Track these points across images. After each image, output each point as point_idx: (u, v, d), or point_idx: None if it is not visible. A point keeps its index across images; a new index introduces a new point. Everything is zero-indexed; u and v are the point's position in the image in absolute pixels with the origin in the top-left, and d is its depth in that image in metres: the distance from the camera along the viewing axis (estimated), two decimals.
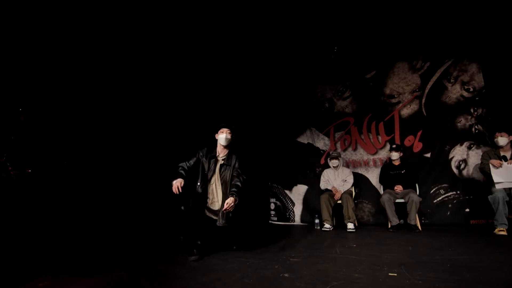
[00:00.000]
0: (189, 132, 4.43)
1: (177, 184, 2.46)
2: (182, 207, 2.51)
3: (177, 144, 4.32)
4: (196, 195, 2.64)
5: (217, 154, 2.82)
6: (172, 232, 3.91)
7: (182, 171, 2.63)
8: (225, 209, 2.45)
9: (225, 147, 2.82)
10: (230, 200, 2.47)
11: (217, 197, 2.72)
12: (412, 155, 4.31)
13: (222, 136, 2.77)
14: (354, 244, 2.95)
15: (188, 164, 2.71)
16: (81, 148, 3.53)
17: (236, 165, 2.78)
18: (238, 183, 2.65)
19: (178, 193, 2.44)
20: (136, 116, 4.22)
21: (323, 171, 4.52)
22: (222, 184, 2.74)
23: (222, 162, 2.79)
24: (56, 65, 3.27)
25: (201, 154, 2.79)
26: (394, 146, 4.15)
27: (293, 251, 2.67)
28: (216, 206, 2.71)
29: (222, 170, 2.77)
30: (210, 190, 2.73)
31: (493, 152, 3.46)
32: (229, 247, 2.76)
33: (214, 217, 2.66)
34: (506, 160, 3.31)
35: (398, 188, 3.89)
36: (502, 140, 3.38)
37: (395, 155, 4.05)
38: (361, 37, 4.54)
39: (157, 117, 4.42)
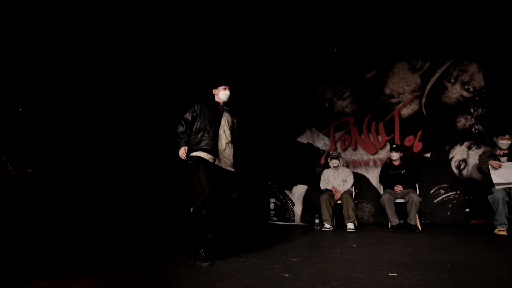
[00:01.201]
0: None
1: (183, 151, 2.49)
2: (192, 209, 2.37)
3: (176, 145, 4.31)
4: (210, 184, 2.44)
5: (219, 107, 2.70)
6: (172, 232, 3.91)
7: (186, 139, 2.55)
8: None
9: (224, 103, 2.73)
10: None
11: (222, 146, 2.58)
12: (412, 155, 4.31)
13: (226, 93, 2.69)
14: (354, 244, 2.95)
15: (187, 131, 2.57)
16: (81, 148, 3.53)
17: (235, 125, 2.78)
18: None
19: (184, 158, 2.48)
20: (135, 117, 4.22)
21: (323, 171, 4.52)
22: (225, 136, 2.64)
23: (224, 115, 2.69)
24: (55, 65, 3.28)
25: (199, 107, 2.62)
26: (394, 146, 4.14)
27: (293, 251, 2.67)
28: (223, 164, 2.56)
29: (225, 122, 2.66)
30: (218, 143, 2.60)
31: (491, 153, 3.45)
32: (224, 252, 2.57)
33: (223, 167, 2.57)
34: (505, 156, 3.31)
35: (398, 188, 3.89)
36: (504, 143, 3.36)
37: (395, 155, 4.05)
38: (361, 37, 4.54)
39: (157, 118, 4.42)
